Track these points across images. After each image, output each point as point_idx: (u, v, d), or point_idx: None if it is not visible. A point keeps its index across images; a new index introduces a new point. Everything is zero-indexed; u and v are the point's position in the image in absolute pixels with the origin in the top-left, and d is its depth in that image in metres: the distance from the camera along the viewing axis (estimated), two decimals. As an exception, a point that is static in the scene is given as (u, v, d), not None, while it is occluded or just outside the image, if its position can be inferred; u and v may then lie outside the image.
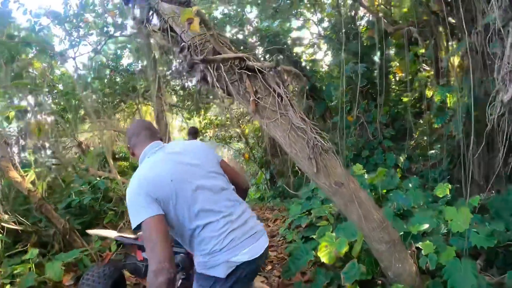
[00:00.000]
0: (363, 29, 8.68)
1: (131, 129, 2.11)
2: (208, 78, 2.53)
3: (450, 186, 4.76)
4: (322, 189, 2.72)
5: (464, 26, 4.54)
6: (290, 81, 2.85)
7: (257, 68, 2.54)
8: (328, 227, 4.16)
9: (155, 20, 3.07)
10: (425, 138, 7.68)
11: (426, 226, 3.72)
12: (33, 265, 4.44)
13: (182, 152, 2.00)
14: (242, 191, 2.25)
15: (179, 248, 2.94)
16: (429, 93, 7.65)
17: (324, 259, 3.44)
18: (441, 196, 4.65)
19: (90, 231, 3.87)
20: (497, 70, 3.07)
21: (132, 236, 3.45)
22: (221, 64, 2.46)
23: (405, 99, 8.59)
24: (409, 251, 3.34)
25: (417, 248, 3.47)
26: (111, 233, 3.57)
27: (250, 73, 2.59)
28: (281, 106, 2.48)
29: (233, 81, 2.58)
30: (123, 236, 3.35)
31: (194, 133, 6.57)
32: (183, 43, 2.67)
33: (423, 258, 3.33)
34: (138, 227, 1.71)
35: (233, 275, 1.86)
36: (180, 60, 2.56)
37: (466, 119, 5.39)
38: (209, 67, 2.49)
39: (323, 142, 2.47)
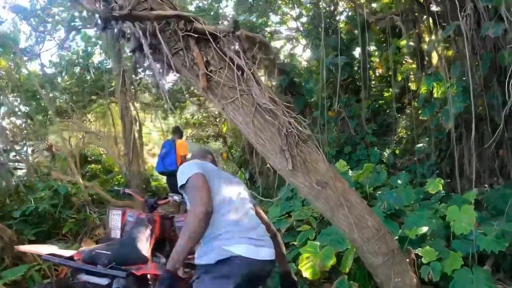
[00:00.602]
0: (343, 24, 8.08)
1: (196, 153, 2.32)
2: (144, 46, 1.75)
3: (442, 181, 4.12)
4: (301, 190, 1.97)
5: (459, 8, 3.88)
6: (255, 51, 2.08)
7: (208, 32, 1.77)
8: (310, 232, 3.44)
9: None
10: (409, 132, 7.05)
11: (424, 228, 3.05)
12: (-26, 283, 3.59)
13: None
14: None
15: (120, 271, 2.21)
16: (412, 85, 7.03)
17: (306, 273, 2.71)
18: (433, 192, 4.04)
19: (21, 247, 3.06)
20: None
21: (67, 253, 2.63)
22: (155, 24, 1.68)
23: (386, 94, 7.99)
24: (408, 260, 2.65)
25: (416, 255, 2.81)
26: (43, 250, 2.73)
27: (200, 40, 1.82)
28: (241, 81, 1.73)
29: (177, 49, 1.82)
30: (54, 255, 2.53)
31: (178, 132, 5.96)
32: (113, 4, 1.88)
33: (424, 268, 2.69)
34: (185, 184, 1.84)
35: (225, 264, 1.74)
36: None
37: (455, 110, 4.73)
38: (143, 32, 1.70)
39: (300, 128, 1.71)
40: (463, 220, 2.97)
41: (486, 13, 4.57)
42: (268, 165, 2.48)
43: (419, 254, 2.82)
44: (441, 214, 3.46)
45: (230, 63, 1.77)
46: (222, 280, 1.71)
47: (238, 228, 1.83)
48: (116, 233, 3.53)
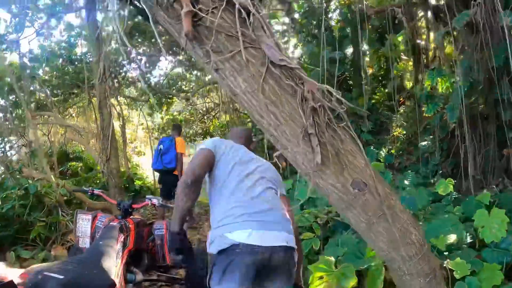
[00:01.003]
0: (336, 22, 7.57)
1: (233, 132, 2.06)
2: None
3: (453, 181, 3.59)
4: (328, 194, 1.33)
5: None
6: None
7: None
8: (314, 240, 2.80)
9: None
10: (404, 131, 6.55)
11: (453, 237, 2.47)
12: None
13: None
14: None
15: None
16: (408, 84, 6.53)
17: (321, 296, 2.05)
18: (443, 193, 3.48)
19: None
20: None
21: (11, 275, 1.89)
22: None
23: (378, 94, 7.49)
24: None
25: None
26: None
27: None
28: (247, 27, 1.07)
29: (151, -19, 1.15)
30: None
31: (177, 128, 5.38)
32: None
33: (459, 284, 2.14)
34: None
35: (226, 255, 1.51)
36: None
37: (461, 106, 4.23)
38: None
39: (333, 99, 1.07)
40: (493, 226, 2.47)
41: (498, 4, 4.11)
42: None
43: (449, 267, 2.25)
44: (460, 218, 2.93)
45: (230, 1, 1.12)
46: (227, 276, 1.48)
47: (243, 211, 1.57)
48: (85, 242, 2.83)
